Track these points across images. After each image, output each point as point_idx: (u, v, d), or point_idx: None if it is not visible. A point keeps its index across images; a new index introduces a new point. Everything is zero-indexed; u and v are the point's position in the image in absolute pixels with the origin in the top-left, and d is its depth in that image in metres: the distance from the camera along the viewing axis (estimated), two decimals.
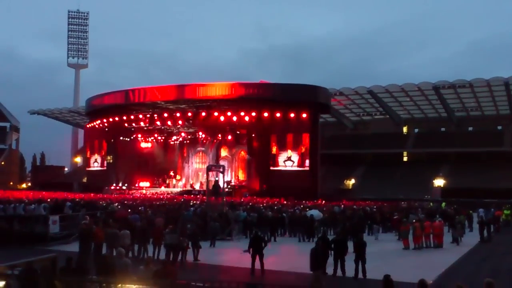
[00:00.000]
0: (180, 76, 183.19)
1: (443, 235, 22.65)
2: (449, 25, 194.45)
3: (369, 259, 14.93)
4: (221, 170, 32.13)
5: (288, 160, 51.23)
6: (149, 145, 62.58)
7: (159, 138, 61.40)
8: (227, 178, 49.61)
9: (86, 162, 68.74)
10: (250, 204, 35.17)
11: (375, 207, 34.73)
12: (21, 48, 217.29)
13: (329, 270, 14.85)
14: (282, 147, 51.86)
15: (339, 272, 14.99)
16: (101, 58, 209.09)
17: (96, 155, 64.65)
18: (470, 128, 70.09)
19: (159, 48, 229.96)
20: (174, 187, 59.29)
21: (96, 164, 64.55)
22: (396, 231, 25.17)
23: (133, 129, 57.99)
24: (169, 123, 54.23)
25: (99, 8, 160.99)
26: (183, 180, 61.75)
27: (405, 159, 70.60)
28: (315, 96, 51.67)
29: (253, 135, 54.18)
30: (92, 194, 47.43)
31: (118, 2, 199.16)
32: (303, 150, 50.89)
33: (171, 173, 61.75)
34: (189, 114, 51.72)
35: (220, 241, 22.63)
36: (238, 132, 55.40)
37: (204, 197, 37.26)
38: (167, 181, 60.71)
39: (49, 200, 34.14)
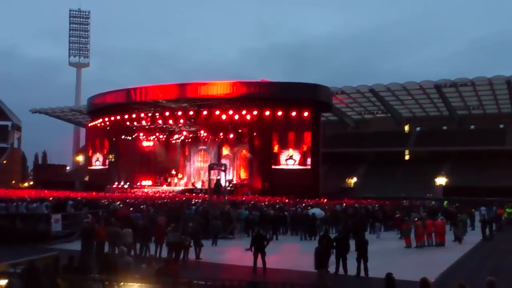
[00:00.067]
0: (181, 75, 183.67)
1: (445, 233, 22.64)
2: (450, 23, 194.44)
3: (371, 258, 14.93)
4: (223, 168, 32.14)
5: (289, 159, 51.18)
6: (150, 143, 62.57)
7: (161, 136, 61.40)
8: (229, 177, 49.57)
9: (88, 161, 68.76)
10: (252, 202, 35.17)
11: (377, 205, 34.71)
12: (22, 47, 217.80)
13: (331, 268, 14.84)
14: (284, 146, 51.81)
15: (341, 271, 14.99)
16: (103, 57, 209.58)
17: (98, 154, 64.66)
18: (472, 127, 70.00)
19: (160, 47, 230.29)
20: (175, 185, 59.29)
21: (98, 162, 64.56)
22: (398, 230, 25.16)
23: (134, 127, 58.01)
24: (170, 121, 54.27)
25: (100, 7, 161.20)
26: (185, 179, 61.76)
27: (407, 157, 70.54)
28: (317, 95, 51.66)
29: (255, 133, 54.13)
30: (94, 193, 47.46)
31: (119, 1, 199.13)
32: (305, 148, 50.84)
33: (173, 172, 61.75)
34: (191, 112, 51.74)
35: (222, 239, 22.64)
36: (239, 131, 55.35)
37: (206, 196, 37.26)
38: (169, 180, 60.72)
39: (51, 198, 34.17)
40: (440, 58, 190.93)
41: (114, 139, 60.69)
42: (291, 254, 20.44)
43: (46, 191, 50.44)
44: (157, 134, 60.55)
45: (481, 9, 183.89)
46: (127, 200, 35.29)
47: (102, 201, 33.18)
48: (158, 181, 60.89)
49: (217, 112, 50.40)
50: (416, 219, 23.73)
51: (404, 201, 43.22)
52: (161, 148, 62.79)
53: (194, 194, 48.71)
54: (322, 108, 53.23)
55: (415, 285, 8.03)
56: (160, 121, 54.36)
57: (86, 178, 69.13)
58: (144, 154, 62.16)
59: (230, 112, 49.96)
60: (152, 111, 53.57)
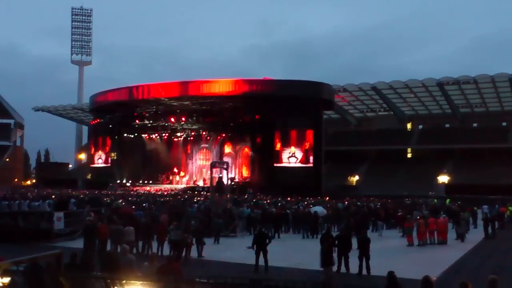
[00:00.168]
0: (183, 73, 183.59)
1: (448, 231, 22.61)
2: (453, 21, 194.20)
3: (373, 256, 14.91)
4: (225, 166, 32.10)
5: (292, 157, 51.20)
6: (153, 142, 62.64)
7: (163, 134, 61.48)
8: (231, 175, 49.61)
9: (90, 158, 68.89)
10: (254, 200, 35.16)
11: (379, 203, 34.67)
12: (25, 45, 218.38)
13: (333, 266, 14.83)
14: (286, 144, 51.83)
15: (343, 269, 14.98)
16: (105, 55, 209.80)
17: (100, 151, 64.78)
18: (475, 125, 69.94)
19: (162, 45, 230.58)
20: (177, 183, 59.36)
21: (100, 160, 64.69)
22: (400, 228, 25.12)
23: (137, 125, 58.08)
24: (172, 119, 54.31)
25: (103, 5, 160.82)
26: (187, 177, 61.82)
27: (409, 155, 70.53)
28: (319, 93, 51.68)
29: (257, 131, 54.15)
30: (96, 191, 47.54)
31: None
32: (307, 146, 50.86)
33: (175, 170, 61.82)
34: (193, 110, 51.77)
35: (224, 237, 22.63)
36: (241, 129, 55.37)
37: (208, 194, 37.28)
38: (171, 178, 60.80)
39: (53, 196, 34.23)
40: (443, 56, 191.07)
41: (116, 137, 60.81)
42: (293, 252, 20.41)
43: (48, 189, 50.56)
44: (160, 132, 60.62)
45: (483, 6, 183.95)
46: (130, 198, 35.33)
47: (105, 199, 33.22)
48: (160, 179, 60.97)
49: (219, 110, 50.42)
50: (418, 217, 23.70)
51: (407, 199, 43.17)
52: (163, 146, 62.86)
53: (196, 192, 48.77)
54: (324, 106, 53.22)
55: (417, 284, 8.02)
56: (162, 119, 54.41)
57: (89, 176, 69.26)
58: (146, 152, 62.26)
59: (232, 110, 49.97)
60: (154, 109, 53.60)
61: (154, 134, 61.19)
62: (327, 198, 40.68)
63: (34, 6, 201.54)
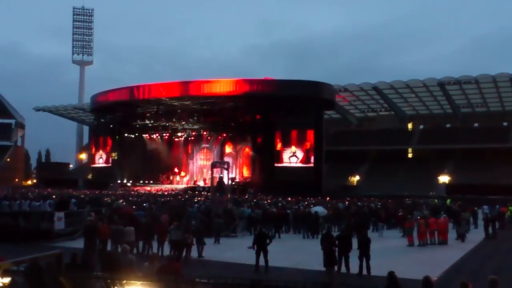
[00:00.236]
0: (184, 72, 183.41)
1: (448, 231, 22.59)
2: (454, 20, 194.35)
3: (373, 256, 14.91)
4: (226, 166, 32.18)
5: (293, 156, 51.22)
6: (153, 142, 62.67)
7: (164, 134, 61.50)
8: (232, 175, 49.64)
9: (91, 158, 68.94)
10: (255, 200, 35.17)
11: (379, 203, 34.65)
12: (26, 45, 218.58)
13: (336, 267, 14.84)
14: (287, 144, 51.86)
15: (343, 269, 14.98)
16: (106, 55, 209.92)
17: (101, 151, 64.82)
18: (476, 125, 69.90)
19: (163, 44, 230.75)
20: (178, 183, 59.38)
21: (101, 160, 64.75)
22: (400, 228, 25.11)
23: (137, 125, 58.11)
24: (173, 119, 54.34)
25: (104, 5, 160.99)
26: (188, 177, 61.84)
27: (410, 155, 70.48)
28: (320, 93, 51.69)
29: (258, 131, 54.16)
30: (97, 191, 47.57)
31: None
32: (308, 146, 50.88)
33: (176, 170, 61.84)
34: (194, 110, 51.80)
35: (225, 237, 22.63)
36: (242, 129, 55.38)
37: (208, 194, 37.31)
38: (171, 178, 60.81)
39: (54, 196, 34.25)
40: (444, 55, 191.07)
41: (117, 137, 60.85)
42: (293, 252, 20.40)
43: (49, 189, 50.59)
44: (160, 132, 60.65)
45: (484, 5, 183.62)
46: (130, 198, 35.34)
47: (105, 199, 33.23)
48: (161, 179, 60.99)
49: (220, 110, 50.45)
50: (418, 217, 23.68)
51: (407, 199, 43.13)
52: (164, 146, 62.88)
53: (196, 192, 48.78)
54: (325, 106, 53.23)
55: (418, 284, 8.02)
56: (163, 119, 54.44)
57: (89, 176, 69.31)
58: (147, 152, 62.28)
59: (233, 110, 49.99)
60: (155, 109, 53.63)
61: (155, 134, 61.22)
62: (328, 198, 40.65)
63: (35, 5, 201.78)
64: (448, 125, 71.47)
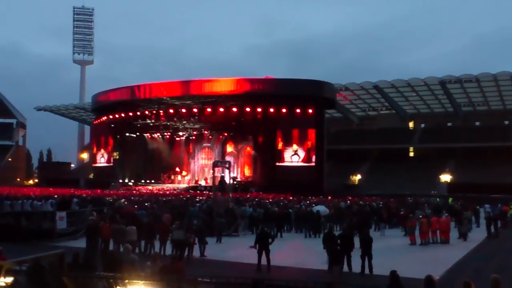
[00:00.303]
0: (185, 72, 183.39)
1: (450, 230, 22.57)
2: (454, 19, 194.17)
3: (376, 255, 14.91)
4: (227, 166, 32.13)
5: (295, 155, 51.22)
6: (155, 141, 62.66)
7: (165, 134, 61.48)
8: (233, 174, 49.61)
9: (93, 158, 68.99)
10: (256, 200, 35.17)
11: (381, 202, 34.64)
12: (27, 45, 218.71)
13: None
14: (288, 143, 51.86)
15: (345, 268, 14.97)
16: (107, 54, 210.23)
17: (102, 151, 64.87)
18: (477, 123, 69.84)
19: (164, 44, 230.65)
20: (180, 183, 59.38)
21: (102, 160, 64.79)
22: (402, 227, 25.09)
23: (139, 125, 58.11)
24: (175, 119, 54.34)
25: (104, 4, 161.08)
26: (189, 176, 61.83)
27: (411, 154, 70.44)
28: (321, 92, 51.65)
29: (259, 130, 54.14)
30: (98, 190, 47.58)
31: None
32: (309, 145, 50.85)
33: (177, 169, 61.83)
34: (195, 110, 51.79)
35: (227, 237, 22.64)
36: (243, 128, 55.34)
37: (210, 193, 37.28)
38: (172, 177, 60.81)
39: (56, 196, 34.28)
40: (445, 54, 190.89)
41: (118, 136, 60.88)
42: (295, 251, 20.42)
43: (51, 188, 50.63)
44: (161, 131, 60.63)
45: (485, 4, 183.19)
46: (132, 198, 35.35)
47: (107, 199, 33.26)
48: (162, 179, 60.99)
49: (221, 109, 50.45)
50: (420, 216, 23.66)
51: (409, 198, 43.12)
52: (165, 146, 62.86)
53: (198, 192, 48.76)
54: (326, 105, 53.20)
55: (420, 283, 8.01)
56: (164, 119, 54.45)
57: (91, 176, 69.36)
58: (148, 151, 62.29)
59: (234, 109, 49.99)
60: (156, 109, 53.63)
61: (156, 133, 61.20)
62: (330, 197, 40.63)
63: (36, 5, 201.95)
64: (449, 124, 71.41)
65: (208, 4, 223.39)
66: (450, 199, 41.39)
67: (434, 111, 70.79)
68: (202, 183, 57.59)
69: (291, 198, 38.74)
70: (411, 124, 73.62)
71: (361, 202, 34.31)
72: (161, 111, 53.36)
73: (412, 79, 58.85)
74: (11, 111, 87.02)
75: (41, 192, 42.42)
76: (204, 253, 17.86)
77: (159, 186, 56.51)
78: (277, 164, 51.72)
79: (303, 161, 50.86)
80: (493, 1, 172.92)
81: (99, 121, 61.42)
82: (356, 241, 15.50)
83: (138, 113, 54.35)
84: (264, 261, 15.15)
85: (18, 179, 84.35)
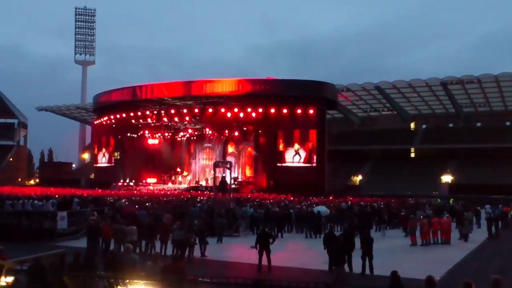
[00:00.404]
0: (187, 72, 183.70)
1: (451, 231, 22.57)
2: (456, 19, 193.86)
3: (376, 256, 14.91)
4: (228, 166, 32.12)
5: (295, 156, 51.20)
6: (156, 141, 62.67)
7: (166, 134, 61.50)
8: (234, 174, 49.61)
9: (94, 158, 69.02)
10: (257, 200, 35.17)
11: (382, 203, 34.63)
12: (28, 45, 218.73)
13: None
14: (289, 143, 51.84)
15: (346, 268, 14.96)
16: (108, 55, 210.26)
17: (103, 151, 64.92)
18: (478, 124, 69.79)
19: (166, 44, 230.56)
20: (180, 183, 59.39)
21: (103, 160, 64.83)
22: (403, 228, 25.08)
23: (140, 125, 58.12)
24: (176, 119, 54.37)
25: (106, 5, 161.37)
26: (190, 177, 61.83)
27: (412, 155, 70.39)
28: (322, 92, 51.65)
29: (260, 131, 54.16)
30: (99, 190, 47.60)
31: None
32: (310, 146, 50.84)
33: (178, 170, 61.84)
34: (196, 110, 51.82)
35: (227, 237, 22.66)
36: (245, 128, 55.35)
37: (211, 193, 37.29)
38: (173, 177, 60.82)
39: (57, 196, 34.29)
40: (446, 55, 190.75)
41: (119, 136, 60.92)
42: (296, 251, 20.42)
43: (52, 188, 50.66)
44: (163, 131, 60.66)
45: (486, 5, 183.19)
46: (133, 198, 35.37)
47: (108, 199, 33.27)
48: (163, 179, 61.01)
49: (223, 110, 50.47)
50: (421, 217, 23.67)
51: (410, 199, 43.11)
52: (167, 146, 62.87)
53: (199, 192, 48.75)
54: (327, 106, 53.19)
55: (421, 283, 8.00)
56: (165, 119, 54.47)
57: (92, 176, 69.39)
58: (149, 151, 62.31)
59: (236, 109, 50.01)
60: (157, 109, 53.65)
61: (157, 133, 61.24)
62: (331, 197, 40.62)
63: (38, 5, 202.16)
64: (450, 125, 71.35)
65: (210, 5, 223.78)
66: (451, 200, 41.38)
67: (436, 112, 70.75)
68: (203, 183, 57.60)
69: (292, 198, 38.74)
70: (412, 125, 73.56)
71: (362, 203, 34.29)
72: (162, 112, 53.38)
73: (413, 80, 58.82)
74: (12, 111, 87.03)
75: (42, 192, 42.38)
76: (204, 253, 17.87)
77: (160, 186, 56.54)
78: (278, 164, 51.70)
79: (304, 161, 50.85)
80: (495, 1, 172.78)
81: (100, 121, 61.40)
82: (357, 242, 15.51)
83: (139, 113, 54.35)
84: (264, 261, 15.16)
85: (20, 179, 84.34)
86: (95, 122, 65.34)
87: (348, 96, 64.60)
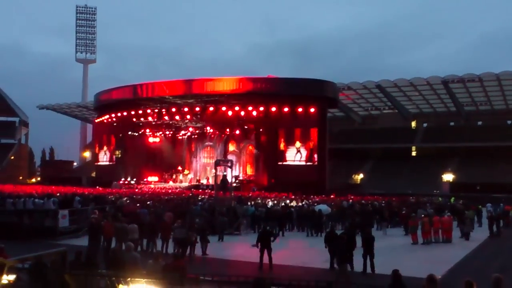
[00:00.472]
0: (188, 71, 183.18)
1: (452, 230, 22.57)
2: (457, 18, 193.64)
3: (378, 254, 14.91)
4: (229, 164, 32.16)
5: (296, 154, 51.16)
6: (157, 140, 62.68)
7: (167, 133, 61.49)
8: (235, 173, 49.61)
9: (95, 156, 69.04)
10: (258, 198, 35.17)
11: (383, 202, 34.65)
12: (29, 43, 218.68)
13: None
14: (290, 142, 51.80)
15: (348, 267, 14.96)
16: (109, 53, 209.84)
17: (104, 149, 64.94)
18: (479, 123, 69.72)
19: (167, 43, 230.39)
20: (181, 182, 59.40)
21: (104, 158, 64.84)
22: (404, 226, 25.07)
23: (141, 123, 58.14)
24: (177, 118, 54.36)
25: (107, 3, 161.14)
26: (191, 175, 61.84)
27: (413, 153, 70.37)
28: (323, 91, 51.59)
29: (261, 129, 54.13)
30: (101, 189, 47.61)
31: None
32: (311, 145, 50.80)
33: (179, 168, 61.84)
34: (197, 109, 51.80)
35: (228, 235, 22.68)
36: (246, 127, 55.29)
37: (212, 192, 37.30)
38: (174, 176, 60.83)
39: (58, 194, 34.31)
40: (447, 54, 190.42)
41: (120, 135, 60.90)
42: (297, 250, 20.44)
43: (53, 187, 50.69)
44: (164, 130, 60.65)
45: (487, 4, 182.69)
46: (134, 196, 35.39)
47: (109, 197, 33.30)
48: (164, 177, 61.01)
49: (224, 108, 50.45)
50: (422, 215, 23.67)
51: (411, 197, 43.10)
52: (168, 144, 62.86)
53: (200, 190, 48.76)
54: (328, 104, 53.14)
55: (422, 282, 8.00)
56: (166, 117, 54.48)
57: (93, 174, 69.43)
58: (150, 150, 62.30)
59: (237, 108, 50.00)
60: (158, 107, 53.65)
61: (158, 132, 61.24)
62: (333, 195, 40.62)
63: (39, 4, 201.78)
64: (451, 123, 71.28)
65: (211, 4, 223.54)
66: (452, 199, 41.39)
67: (437, 111, 70.67)
68: (204, 181, 57.62)
69: (293, 197, 38.73)
70: (413, 124, 73.49)
71: (363, 201, 34.31)
72: (163, 110, 53.39)
73: (414, 78, 58.74)
74: (13, 109, 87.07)
75: (43, 190, 42.37)
76: (206, 251, 17.89)
77: (161, 185, 56.56)
78: (279, 163, 51.66)
79: (305, 160, 50.82)
80: (495, 1, 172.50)
81: (101, 119, 61.40)
82: (358, 240, 15.50)
83: (141, 112, 54.36)
84: (266, 259, 15.17)
85: (21, 178, 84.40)
86: (96, 121, 65.34)
87: (349, 95, 64.52)
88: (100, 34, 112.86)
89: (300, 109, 48.92)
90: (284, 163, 51.63)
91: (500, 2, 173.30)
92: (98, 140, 67.46)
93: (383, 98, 66.36)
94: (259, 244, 15.44)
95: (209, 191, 44.25)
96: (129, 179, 59.69)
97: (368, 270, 14.67)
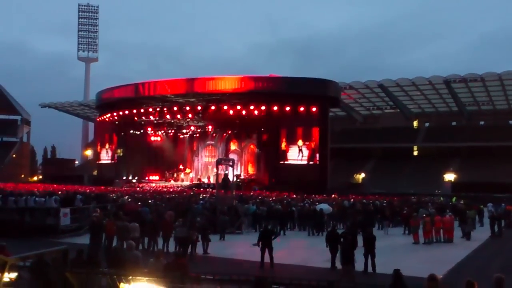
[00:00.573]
0: (190, 70, 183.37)
1: (454, 230, 22.54)
2: (459, 18, 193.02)
3: (379, 254, 14.90)
4: (231, 163, 32.10)
5: (298, 153, 51.13)
6: (158, 138, 62.77)
7: (169, 131, 61.56)
8: (237, 172, 49.65)
9: (97, 155, 69.12)
10: (260, 198, 35.17)
11: (385, 201, 34.60)
12: (32, 42, 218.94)
13: (338, 264, 14.82)
14: (292, 141, 51.77)
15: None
16: (111, 52, 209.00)
17: (106, 148, 64.99)
18: (482, 122, 69.66)
19: (169, 42, 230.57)
20: (183, 180, 59.46)
21: (106, 157, 64.90)
22: (405, 226, 25.04)
23: (143, 122, 58.23)
24: (178, 116, 54.39)
25: (109, 2, 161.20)
26: (193, 174, 61.90)
27: (415, 153, 70.29)
28: (325, 90, 51.55)
29: (263, 128, 54.15)
30: (102, 187, 47.66)
31: None
32: (313, 144, 50.77)
33: (181, 167, 61.90)
34: (199, 107, 51.84)
35: (230, 234, 22.68)
36: (247, 126, 55.31)
37: (213, 191, 37.30)
38: (175, 175, 60.89)
39: (60, 192, 34.35)
40: (450, 53, 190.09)
41: (122, 133, 60.97)
42: (298, 249, 20.44)
43: (55, 185, 50.76)
44: (165, 129, 60.72)
45: (489, 3, 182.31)
46: (135, 195, 35.41)
47: (111, 195, 33.32)
48: (166, 176, 61.07)
49: (225, 107, 50.45)
50: (424, 215, 23.63)
51: (413, 197, 43.03)
52: (169, 143, 62.95)
53: (201, 189, 48.79)
54: (330, 104, 53.09)
55: (423, 282, 7.99)
56: (168, 116, 54.53)
57: (95, 173, 69.54)
58: (152, 149, 62.41)
59: (238, 107, 50.00)
60: (160, 106, 53.69)
61: (160, 131, 61.30)
62: (334, 195, 40.58)
63: (41, 2, 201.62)
64: (453, 123, 71.19)
65: (213, 2, 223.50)
66: (454, 198, 41.33)
67: (439, 110, 70.59)
68: (206, 180, 57.67)
69: (294, 196, 38.73)
70: (415, 123, 73.42)
71: (364, 201, 34.26)
72: (165, 109, 53.42)
73: (416, 78, 58.65)
74: (15, 107, 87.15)
75: (45, 188, 42.46)
76: (207, 250, 17.89)
77: (163, 184, 56.61)
78: (281, 162, 51.65)
79: (307, 159, 50.79)
80: (495, 1, 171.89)
81: (103, 118, 61.48)
82: (359, 240, 15.49)
83: (142, 111, 54.41)
84: (267, 258, 15.17)
85: (22, 176, 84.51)
86: (98, 119, 65.43)
87: (351, 94, 64.51)
88: (102, 33, 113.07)
89: (301, 108, 48.89)
90: (286, 162, 51.60)
91: (500, 2, 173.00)
92: (100, 138, 67.52)
93: (385, 98, 66.30)
94: (260, 243, 15.44)
95: (211, 190, 44.29)
96: (130, 177, 59.78)
97: (369, 269, 14.65)
